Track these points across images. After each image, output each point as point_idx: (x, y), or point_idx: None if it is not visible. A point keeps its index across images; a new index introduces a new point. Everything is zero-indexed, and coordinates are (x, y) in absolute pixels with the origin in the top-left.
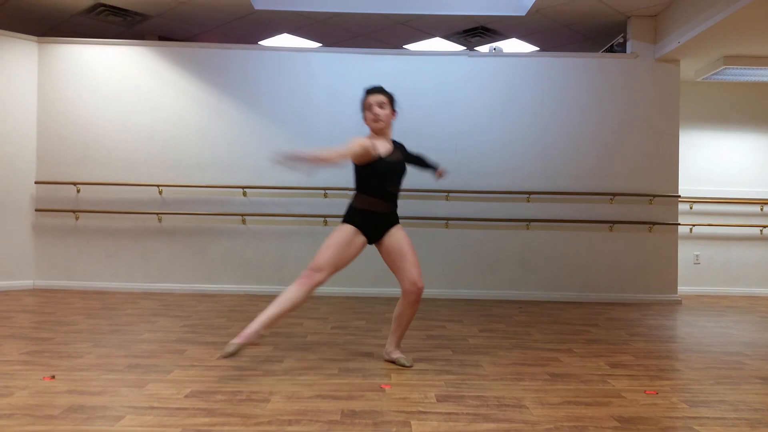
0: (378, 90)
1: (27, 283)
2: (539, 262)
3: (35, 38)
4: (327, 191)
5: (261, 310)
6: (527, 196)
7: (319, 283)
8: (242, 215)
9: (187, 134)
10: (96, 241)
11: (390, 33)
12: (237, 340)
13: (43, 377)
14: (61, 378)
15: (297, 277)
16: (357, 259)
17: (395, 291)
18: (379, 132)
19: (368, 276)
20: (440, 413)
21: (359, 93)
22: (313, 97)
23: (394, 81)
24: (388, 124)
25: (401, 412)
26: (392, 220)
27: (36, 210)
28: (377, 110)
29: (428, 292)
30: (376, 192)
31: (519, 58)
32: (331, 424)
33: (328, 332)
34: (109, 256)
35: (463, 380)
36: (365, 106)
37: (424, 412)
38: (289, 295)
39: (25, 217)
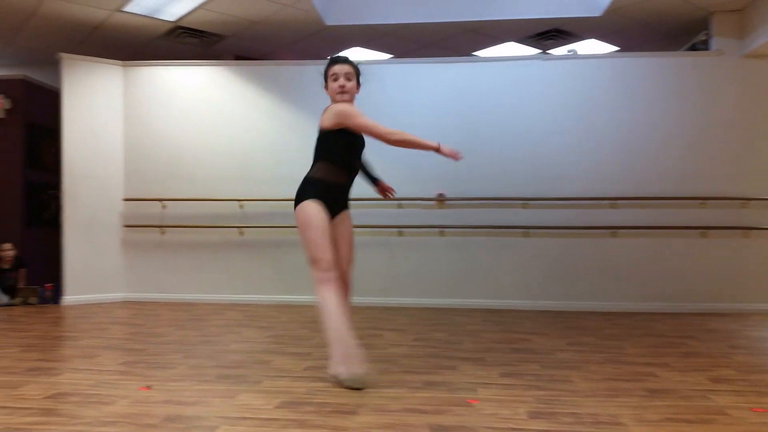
0: (344, 60)
1: (118, 295)
2: (626, 271)
3: (120, 62)
4: (402, 201)
5: None
6: (611, 202)
7: (338, 277)
8: None
9: (264, 149)
10: (182, 254)
11: (459, 41)
12: (341, 369)
13: (140, 387)
14: (157, 388)
15: (374, 288)
16: (433, 269)
17: (473, 302)
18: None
19: (444, 287)
20: (533, 430)
21: (430, 103)
22: (385, 108)
23: (466, 89)
24: (353, 98)
25: (492, 428)
26: (347, 200)
27: (124, 226)
28: (343, 81)
29: (508, 304)
30: (342, 162)
31: (596, 59)
32: None
33: (409, 344)
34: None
35: (555, 396)
36: (329, 75)
37: (517, 429)
38: (329, 308)
39: (115, 233)
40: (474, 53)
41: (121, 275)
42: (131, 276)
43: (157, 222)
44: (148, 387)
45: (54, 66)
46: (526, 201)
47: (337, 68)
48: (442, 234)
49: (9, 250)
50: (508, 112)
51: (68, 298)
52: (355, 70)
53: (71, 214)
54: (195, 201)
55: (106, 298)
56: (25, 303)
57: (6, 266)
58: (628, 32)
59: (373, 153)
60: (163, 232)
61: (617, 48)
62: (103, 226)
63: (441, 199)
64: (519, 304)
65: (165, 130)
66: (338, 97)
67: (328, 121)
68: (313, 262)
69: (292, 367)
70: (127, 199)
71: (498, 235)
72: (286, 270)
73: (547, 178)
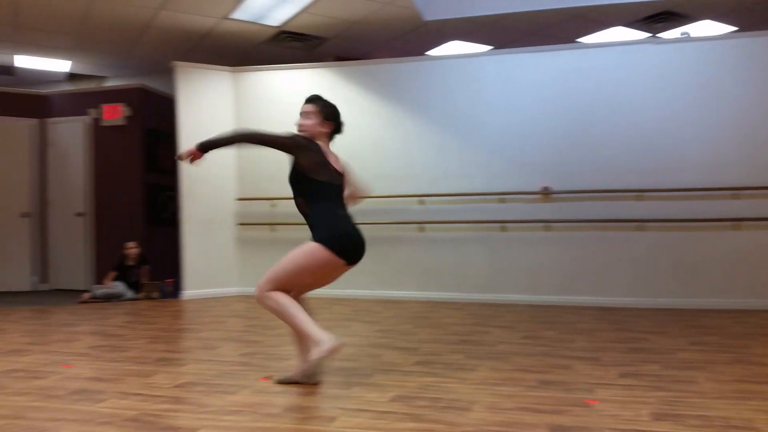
0: (309, 99)
1: (233, 290)
2: (752, 265)
3: (229, 68)
4: (504, 196)
5: (443, 317)
6: (733, 192)
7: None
8: (420, 223)
9: (365, 148)
10: (290, 249)
11: (564, 28)
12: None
13: (260, 378)
14: (276, 379)
15: (476, 284)
16: (539, 266)
17: (583, 300)
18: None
19: (551, 284)
20: None
21: (533, 94)
22: (486, 101)
23: (572, 77)
24: (312, 136)
25: (614, 429)
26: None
27: (238, 224)
28: (301, 120)
29: (621, 302)
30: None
31: (712, 41)
32: None
33: (519, 342)
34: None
35: (679, 398)
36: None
37: (641, 431)
38: (286, 304)
39: (230, 231)
40: (579, 40)
41: (236, 270)
42: (245, 271)
43: (267, 220)
44: (268, 378)
45: (168, 74)
46: (639, 193)
47: (303, 107)
48: (547, 229)
49: (133, 248)
50: (616, 99)
51: (187, 292)
52: (319, 108)
53: (189, 214)
54: None
55: (223, 292)
56: (148, 297)
57: (131, 263)
58: (746, 10)
59: (470, 146)
60: (273, 230)
61: (735, 28)
62: (219, 224)
63: (546, 193)
64: (633, 302)
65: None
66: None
67: None
68: (272, 281)
69: (402, 362)
70: (239, 199)
71: (608, 230)
72: (389, 266)
73: (662, 169)
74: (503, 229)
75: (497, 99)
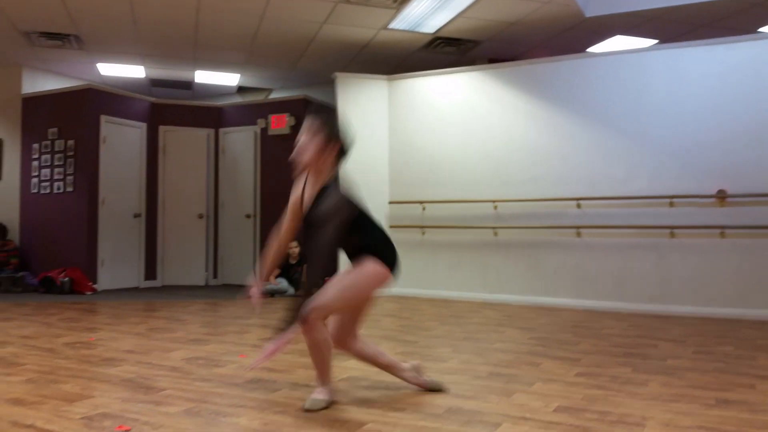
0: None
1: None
2: None
3: (385, 76)
4: (673, 199)
5: (602, 327)
6: None
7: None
8: (577, 227)
9: (519, 150)
10: (439, 253)
11: (743, 17)
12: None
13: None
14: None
15: (641, 294)
16: (712, 275)
17: (762, 314)
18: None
19: (726, 295)
20: None
21: (705, 89)
22: (650, 98)
23: (750, 70)
24: (311, 158)
25: None
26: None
27: (390, 226)
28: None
29: None
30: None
31: None
32: None
33: (691, 357)
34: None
35: None
36: None
37: None
38: (327, 340)
39: None
40: (761, 30)
41: None
42: None
43: (417, 223)
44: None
45: (329, 84)
46: None
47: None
48: (722, 235)
49: (295, 248)
50: None
51: None
52: (318, 124)
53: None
54: (451, 203)
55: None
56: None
57: (293, 261)
58: None
59: (634, 147)
60: (423, 233)
61: None
62: None
63: (722, 196)
64: None
65: (424, 137)
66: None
67: None
68: (322, 309)
69: (564, 372)
70: (392, 202)
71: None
72: (542, 271)
73: None
74: (672, 235)
75: (665, 96)
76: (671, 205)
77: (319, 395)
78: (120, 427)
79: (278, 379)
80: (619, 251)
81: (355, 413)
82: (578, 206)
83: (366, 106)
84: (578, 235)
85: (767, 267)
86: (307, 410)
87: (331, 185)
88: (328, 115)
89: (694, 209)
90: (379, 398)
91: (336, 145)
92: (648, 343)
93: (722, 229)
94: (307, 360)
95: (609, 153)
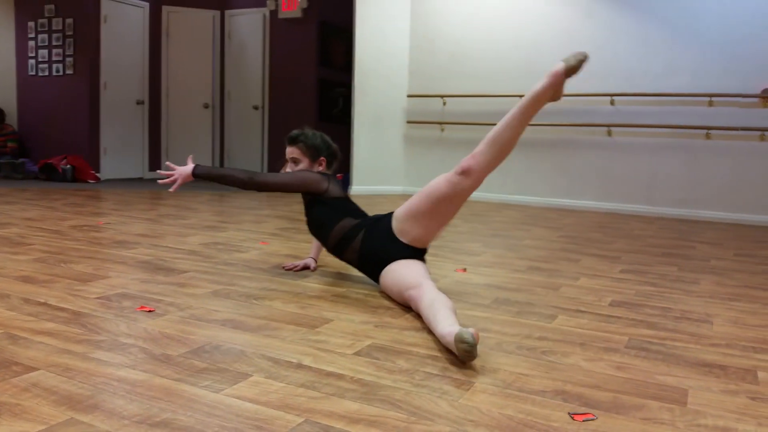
0: (290, 140)
1: (398, 188)
2: None
3: None
4: (713, 98)
5: (632, 229)
6: None
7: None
8: (608, 126)
9: (554, 40)
10: (459, 151)
11: None
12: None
13: (456, 269)
14: (472, 272)
15: (669, 197)
16: (749, 180)
17: None
18: None
19: (763, 201)
20: None
21: None
22: None
23: None
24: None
25: None
26: None
27: (407, 122)
28: (289, 167)
29: None
30: None
31: None
32: None
33: (734, 259)
34: None
35: None
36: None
37: None
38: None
39: (398, 129)
40: None
41: (402, 169)
42: (411, 170)
43: (437, 119)
44: (464, 269)
45: None
46: None
47: (287, 150)
48: (762, 138)
49: None
50: None
51: (355, 187)
52: (305, 147)
53: (360, 110)
54: (474, 97)
55: (388, 190)
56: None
57: None
58: None
59: (678, 40)
60: (442, 129)
61: None
62: (389, 121)
63: (766, 96)
64: None
65: (448, 24)
66: None
67: None
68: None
69: (606, 269)
70: (411, 95)
71: None
72: (567, 172)
73: None
74: (708, 137)
75: None
76: (710, 104)
77: None
78: (142, 307)
79: None
80: (650, 152)
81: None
82: (612, 103)
83: None
84: (609, 134)
85: None
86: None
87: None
88: (304, 138)
89: (735, 109)
90: None
91: (322, 161)
92: (685, 245)
93: (763, 132)
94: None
95: (650, 46)
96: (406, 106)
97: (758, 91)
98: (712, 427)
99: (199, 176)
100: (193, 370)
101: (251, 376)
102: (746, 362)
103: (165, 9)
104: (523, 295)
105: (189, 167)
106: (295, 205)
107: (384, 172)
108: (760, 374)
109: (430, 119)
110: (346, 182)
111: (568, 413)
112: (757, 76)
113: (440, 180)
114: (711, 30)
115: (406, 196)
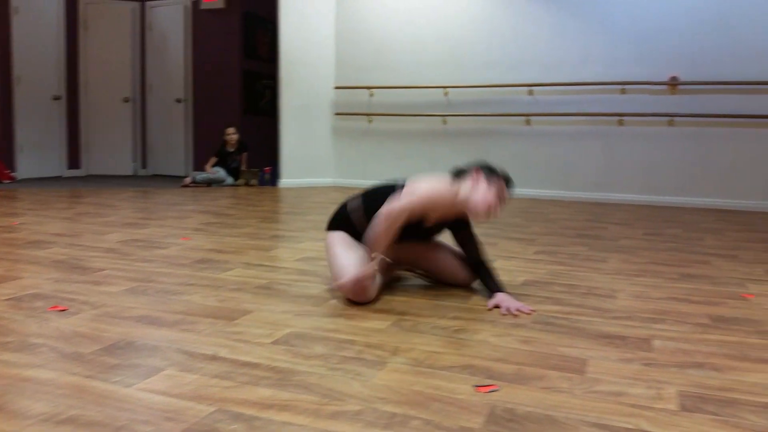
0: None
1: (327, 180)
2: None
3: None
4: (625, 86)
5: (549, 213)
6: None
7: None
8: (527, 115)
9: (476, 31)
10: (387, 143)
11: None
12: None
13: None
14: None
15: (586, 182)
16: (659, 163)
17: (705, 201)
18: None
19: (671, 183)
20: None
21: None
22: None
23: None
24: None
25: None
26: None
27: (335, 114)
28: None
29: (748, 205)
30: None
31: None
32: (704, 327)
33: (642, 238)
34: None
35: None
36: (494, 186)
37: None
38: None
39: (326, 120)
40: None
41: (332, 161)
42: (341, 162)
43: (365, 110)
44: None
45: None
46: None
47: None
48: (671, 123)
49: (233, 134)
50: None
51: (284, 180)
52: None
53: (287, 102)
54: (401, 89)
55: (317, 182)
56: (247, 184)
57: (231, 149)
58: None
59: (592, 30)
60: (370, 120)
61: None
62: (316, 113)
63: (674, 83)
64: (761, 206)
65: (373, 17)
66: (481, 215)
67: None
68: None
69: (522, 250)
70: (338, 87)
71: (740, 126)
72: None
73: None
74: (621, 123)
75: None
76: (623, 92)
77: None
78: (54, 307)
79: (230, 260)
80: (567, 139)
81: (319, 289)
82: (530, 93)
83: None
84: (528, 123)
85: (712, 155)
86: None
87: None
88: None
89: (645, 96)
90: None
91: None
92: (597, 226)
93: (671, 117)
94: (257, 242)
95: (566, 37)
96: (333, 98)
97: (667, 78)
98: (607, 392)
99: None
100: (105, 367)
101: (164, 370)
102: (644, 332)
103: (82, 1)
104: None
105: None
106: (221, 200)
107: (313, 164)
108: (655, 342)
109: (358, 110)
110: (274, 176)
111: (473, 386)
112: (665, 65)
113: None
114: (622, 21)
115: (336, 188)
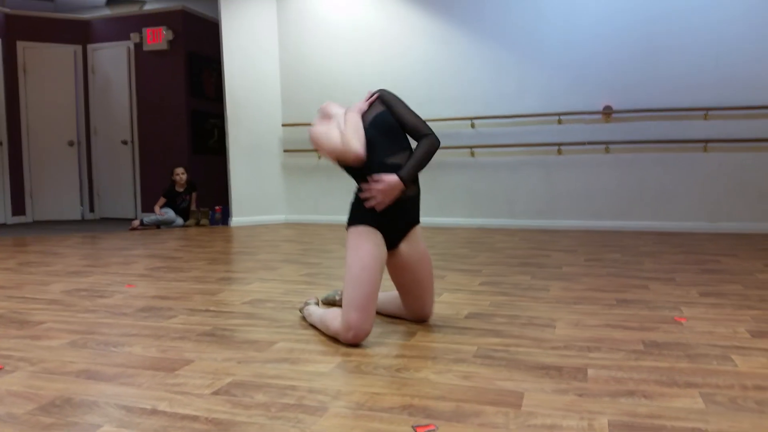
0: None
1: (280, 217)
2: None
3: None
4: (561, 116)
5: (495, 242)
6: None
7: (366, 335)
8: (471, 147)
9: (416, 70)
10: (337, 177)
11: None
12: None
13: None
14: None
15: (529, 210)
16: (597, 190)
17: (642, 224)
18: None
19: (610, 208)
20: (763, 349)
21: (597, 6)
22: (545, 14)
23: None
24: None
25: (714, 345)
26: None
27: (284, 151)
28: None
29: (683, 226)
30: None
31: None
32: (637, 354)
33: (584, 264)
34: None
35: None
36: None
37: (742, 347)
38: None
39: (276, 158)
40: None
41: (283, 198)
42: (292, 198)
43: (313, 147)
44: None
45: None
46: (706, 111)
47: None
48: (607, 151)
49: (182, 174)
50: (686, 14)
51: (235, 219)
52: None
53: (235, 140)
54: None
55: (270, 219)
56: (197, 224)
57: (180, 189)
58: None
59: (527, 64)
60: (319, 157)
61: None
62: (265, 151)
63: (608, 112)
64: (695, 227)
65: (317, 56)
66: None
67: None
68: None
69: (467, 282)
70: (285, 125)
71: (672, 151)
72: (437, 192)
73: (732, 86)
74: (559, 152)
75: (558, 12)
76: (559, 122)
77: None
78: None
79: (173, 306)
80: (509, 169)
81: (264, 333)
82: (472, 126)
83: (253, 21)
84: (472, 154)
85: (647, 180)
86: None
87: None
88: None
89: (581, 126)
90: (288, 317)
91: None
92: (541, 254)
93: (607, 145)
94: (203, 286)
95: (503, 71)
96: (281, 135)
97: (601, 108)
98: (541, 426)
99: (408, 180)
100: (39, 428)
101: (102, 426)
102: (579, 361)
103: (20, 44)
104: (386, 317)
105: (393, 178)
106: (170, 242)
107: (264, 202)
108: (590, 371)
109: (307, 147)
110: (225, 215)
111: (412, 426)
112: (598, 95)
113: None
114: (556, 53)
115: (288, 225)
